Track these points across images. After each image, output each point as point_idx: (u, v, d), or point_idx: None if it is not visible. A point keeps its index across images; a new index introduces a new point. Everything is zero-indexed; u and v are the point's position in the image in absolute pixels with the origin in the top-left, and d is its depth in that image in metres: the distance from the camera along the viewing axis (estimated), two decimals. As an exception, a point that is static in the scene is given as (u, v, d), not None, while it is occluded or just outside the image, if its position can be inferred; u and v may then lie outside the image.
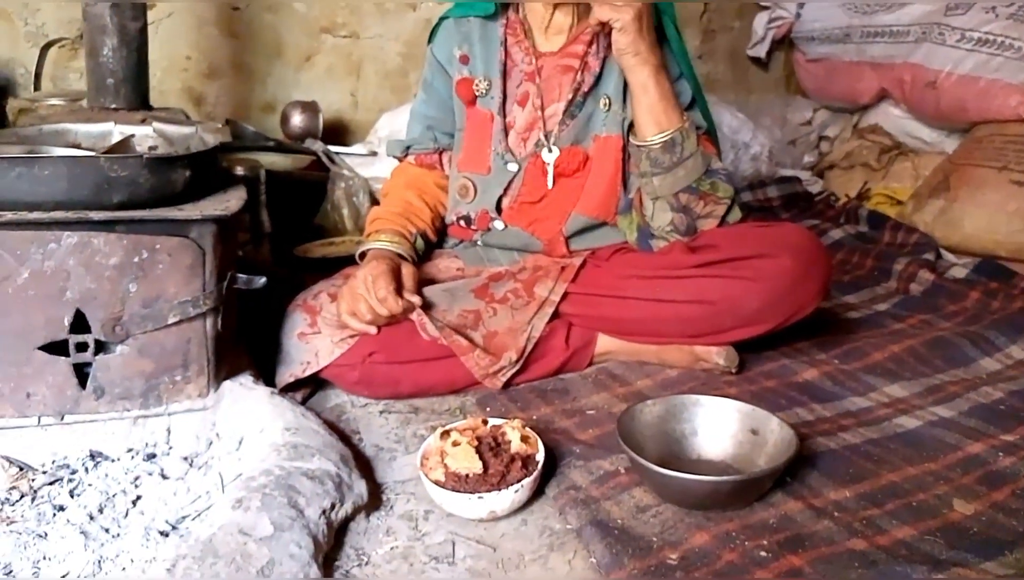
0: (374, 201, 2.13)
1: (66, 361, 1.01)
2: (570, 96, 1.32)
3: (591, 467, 1.04)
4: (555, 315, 1.32)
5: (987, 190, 1.95)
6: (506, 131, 1.34)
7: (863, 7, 2.38)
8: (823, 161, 2.50)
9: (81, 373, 1.02)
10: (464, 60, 1.36)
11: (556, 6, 1.31)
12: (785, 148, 2.50)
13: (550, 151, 1.33)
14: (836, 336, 1.48)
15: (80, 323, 1.00)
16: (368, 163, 2.20)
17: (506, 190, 1.35)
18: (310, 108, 2.20)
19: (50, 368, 1.01)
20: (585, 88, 1.32)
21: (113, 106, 1.67)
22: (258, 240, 1.79)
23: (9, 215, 0.95)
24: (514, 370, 1.26)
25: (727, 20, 2.72)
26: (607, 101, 1.31)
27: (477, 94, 1.34)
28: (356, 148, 2.23)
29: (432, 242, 1.42)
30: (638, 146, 1.27)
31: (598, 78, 1.32)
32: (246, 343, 1.23)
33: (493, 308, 1.30)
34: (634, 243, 1.35)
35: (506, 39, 1.35)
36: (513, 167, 1.34)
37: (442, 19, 1.39)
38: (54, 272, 0.98)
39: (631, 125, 1.29)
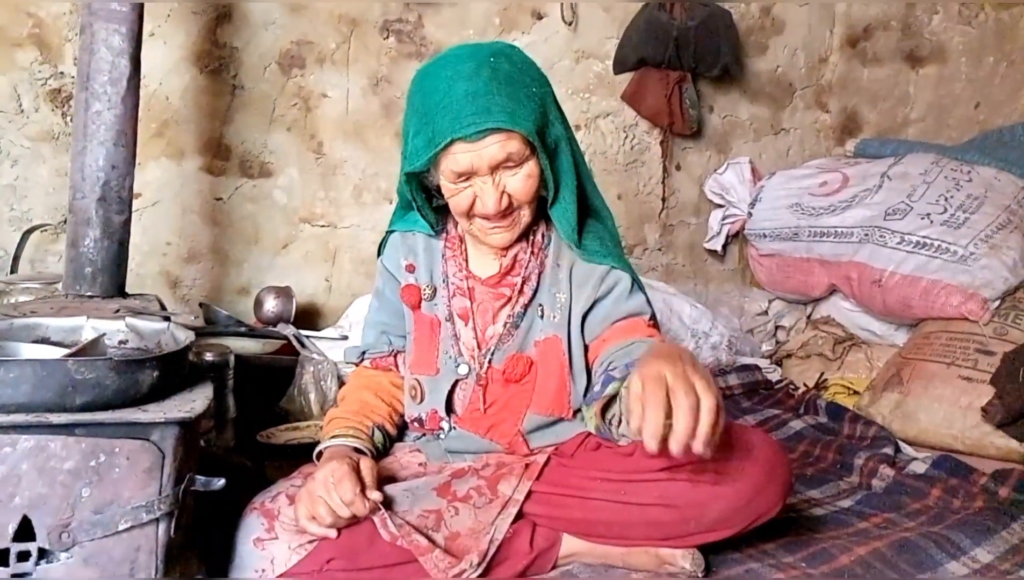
0: (342, 385, 2.14)
1: (5, 570, 0.97)
2: (506, 320, 1.37)
3: None
4: (519, 515, 1.30)
5: (938, 385, 2.02)
6: (456, 337, 1.38)
7: (809, 209, 2.56)
8: (780, 350, 2.58)
9: (20, 584, 0.98)
10: (410, 269, 1.42)
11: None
12: (744, 337, 2.59)
13: (493, 364, 1.36)
14: (801, 536, 1.46)
15: (25, 530, 0.97)
16: (338, 346, 2.23)
17: (453, 392, 1.38)
18: (284, 293, 2.26)
19: (-13, 579, 0.96)
20: (522, 307, 1.37)
21: (88, 294, 1.71)
22: (221, 426, 1.77)
23: (-32, 418, 0.94)
24: (476, 573, 1.23)
25: (685, 216, 2.89)
26: (540, 309, 1.37)
27: (423, 298, 1.40)
28: (327, 332, 2.27)
29: (391, 436, 1.42)
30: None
31: (534, 291, 1.37)
32: (197, 545, 1.19)
33: (455, 507, 1.28)
34: (594, 430, 1.36)
35: (445, 251, 1.41)
36: (463, 370, 1.37)
37: (389, 232, 1.47)
38: (5, 477, 0.96)
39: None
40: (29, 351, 1.15)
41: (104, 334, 1.19)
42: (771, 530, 1.39)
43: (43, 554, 0.98)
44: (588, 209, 1.39)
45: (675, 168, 2.85)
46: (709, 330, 2.42)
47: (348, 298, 2.42)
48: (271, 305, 2.24)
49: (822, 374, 2.36)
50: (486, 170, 1.22)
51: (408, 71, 2.48)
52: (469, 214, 1.28)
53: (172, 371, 1.10)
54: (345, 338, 2.26)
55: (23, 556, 0.97)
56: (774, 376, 2.45)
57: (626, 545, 1.31)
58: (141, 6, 1.76)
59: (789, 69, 2.95)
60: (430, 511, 1.27)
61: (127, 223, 1.76)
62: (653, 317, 1.39)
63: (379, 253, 1.49)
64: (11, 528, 0.96)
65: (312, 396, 2.07)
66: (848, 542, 1.43)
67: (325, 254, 2.49)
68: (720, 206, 2.87)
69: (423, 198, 1.34)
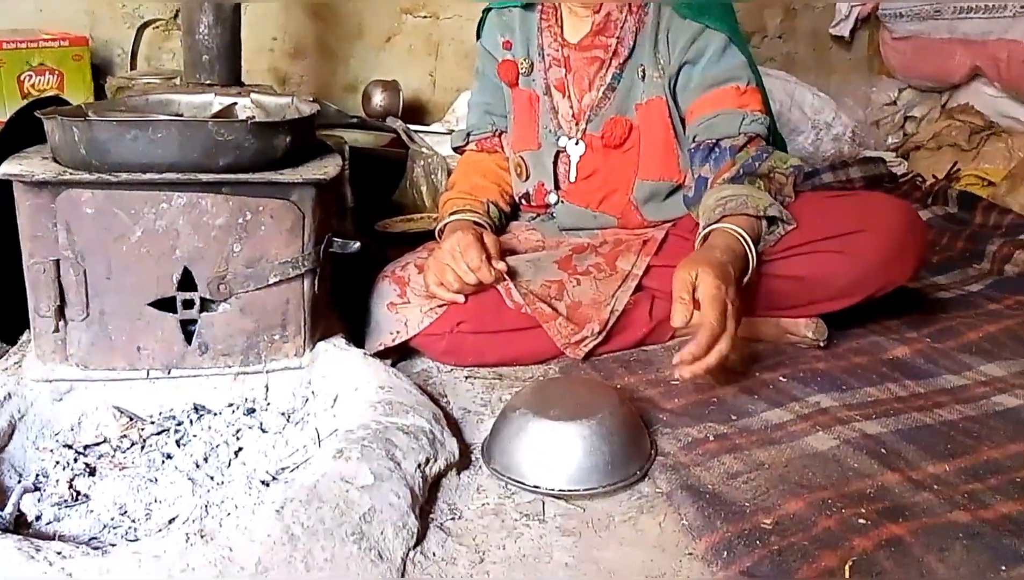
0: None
1: (174, 317, 1.06)
2: (601, 84, 1.33)
3: (678, 435, 1.04)
4: (638, 288, 1.31)
5: (1089, 172, 1.86)
6: (555, 109, 1.36)
7: (956, -18, 2.29)
8: (908, 142, 2.42)
9: (187, 329, 1.07)
10: (507, 46, 1.41)
11: None
12: (869, 129, 2.43)
13: (590, 131, 1.34)
14: (927, 315, 1.43)
15: (187, 281, 1.05)
16: (446, 141, 2.21)
17: (557, 163, 1.37)
18: (391, 87, 2.24)
19: (159, 324, 1.06)
20: (617, 67, 1.32)
21: (208, 82, 1.74)
22: (342, 213, 1.83)
23: (124, 175, 1.00)
24: (597, 341, 1.27)
25: (809, -2, 2.65)
26: (641, 70, 1.31)
27: (520, 72, 1.38)
28: (434, 127, 2.26)
29: (505, 212, 1.44)
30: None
31: (631, 51, 1.31)
32: (337, 309, 1.27)
33: (576, 279, 1.31)
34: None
35: (540, 23, 1.38)
36: (564, 141, 1.36)
37: (486, 12, 1.45)
38: (165, 231, 1.02)
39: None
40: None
41: (235, 103, 1.21)
42: (894, 307, 1.37)
43: (204, 304, 1.06)
44: None
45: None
46: (832, 121, 2.28)
47: (452, 93, 2.39)
48: (379, 99, 2.23)
49: (955, 164, 2.21)
50: None
51: None
52: None
53: (303, 138, 1.12)
54: (452, 132, 2.24)
55: (188, 304, 1.05)
56: (900, 169, 2.31)
57: (748, 315, 1.31)
58: None
59: None
60: (552, 281, 1.30)
61: (237, 9, 1.75)
62: (750, 82, 1.28)
63: (478, 35, 1.48)
64: (175, 278, 1.04)
65: (424, 189, 2.10)
66: (977, 320, 1.40)
67: (428, 47, 2.43)
68: (850, -15, 2.61)
69: None
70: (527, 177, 1.41)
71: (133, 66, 2.18)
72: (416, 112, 2.41)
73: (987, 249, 1.73)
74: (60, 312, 1.03)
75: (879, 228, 1.19)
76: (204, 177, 1.02)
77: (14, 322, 1.17)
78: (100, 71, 2.18)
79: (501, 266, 1.23)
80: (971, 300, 1.53)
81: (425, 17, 2.40)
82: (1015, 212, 1.91)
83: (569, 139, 1.36)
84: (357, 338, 1.27)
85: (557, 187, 1.39)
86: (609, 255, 1.34)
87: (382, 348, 1.25)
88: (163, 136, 1.00)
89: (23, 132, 1.12)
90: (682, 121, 1.33)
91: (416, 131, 2.21)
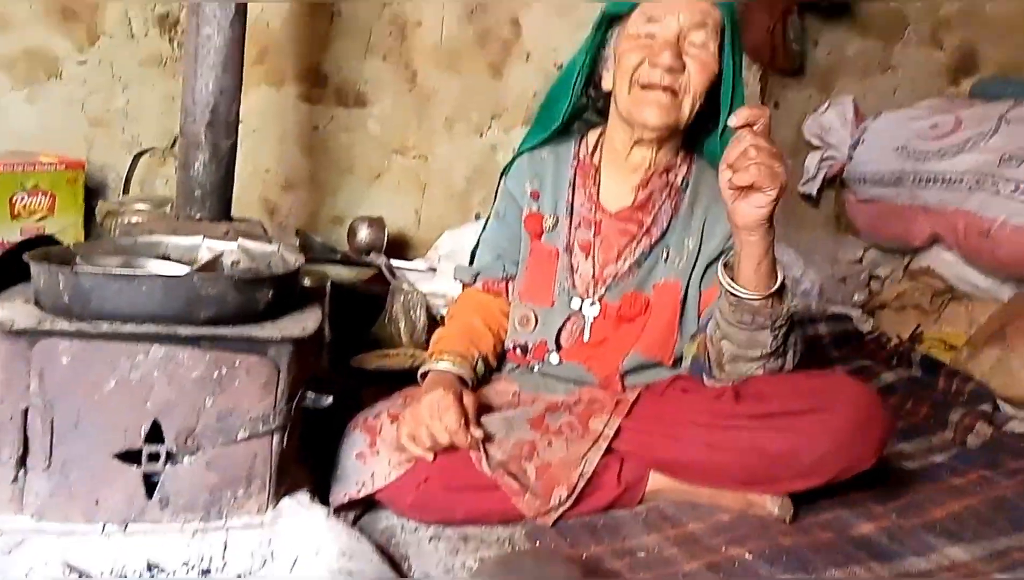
0: (430, 315, 2.19)
1: (137, 470, 1.04)
2: (628, 257, 1.37)
3: (643, 615, 1.02)
4: (608, 449, 1.32)
5: (1046, 343, 1.93)
6: (572, 269, 1.38)
7: (916, 153, 2.43)
8: (874, 300, 2.50)
9: (149, 482, 1.05)
10: (535, 196, 1.43)
11: (637, 141, 1.37)
12: (836, 285, 2.51)
13: (608, 300, 1.38)
14: (893, 488, 1.44)
15: (155, 433, 1.04)
16: (427, 278, 2.27)
17: (564, 325, 1.39)
18: (376, 224, 2.30)
19: (121, 476, 1.04)
20: (647, 245, 1.37)
21: (198, 216, 1.78)
22: (318, 351, 1.85)
23: (106, 326, 1.01)
24: (565, 507, 1.26)
25: (780, 158, 2.79)
26: (666, 251, 1.37)
27: (544, 229, 1.41)
28: (417, 263, 2.31)
29: (491, 367, 1.45)
30: (733, 293, 1.22)
31: (663, 233, 1.37)
32: (305, 457, 1.26)
33: (548, 439, 1.31)
34: (686, 368, 1.38)
35: (574, 180, 1.42)
36: (576, 304, 1.38)
37: (517, 154, 1.48)
38: (139, 382, 1.03)
39: (725, 264, 1.27)
40: (154, 266, 1.21)
41: (222, 253, 1.24)
42: (861, 480, 1.38)
43: (170, 457, 1.05)
44: None
45: (773, 106, 2.74)
46: (800, 277, 2.36)
47: (437, 230, 2.45)
48: (364, 234, 2.29)
49: (918, 326, 2.28)
50: (674, 27, 1.27)
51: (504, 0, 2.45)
52: (634, 75, 1.29)
53: (285, 291, 1.15)
54: (433, 270, 2.29)
55: (153, 457, 1.04)
56: (866, 326, 2.38)
57: (713, 486, 1.32)
58: (248, -69, 1.77)
59: (904, 1, 2.77)
60: (524, 442, 1.30)
61: (233, 148, 1.81)
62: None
63: (503, 173, 1.49)
64: (143, 430, 1.04)
65: (402, 325, 2.12)
66: (941, 496, 1.41)
67: (415, 185, 2.52)
68: (818, 148, 2.76)
69: (581, 86, 1.39)
70: (533, 329, 1.41)
71: (126, 191, 2.23)
72: (400, 247, 2.46)
73: (950, 418, 1.76)
74: (21, 461, 1.01)
75: (844, 407, 1.21)
76: (184, 331, 1.03)
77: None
78: (93, 193, 2.23)
79: (477, 434, 1.24)
80: (935, 472, 1.55)
81: (414, 158, 2.50)
82: (976, 380, 1.96)
83: (583, 301, 1.38)
84: (323, 482, 1.25)
85: (559, 344, 1.40)
86: (583, 414, 1.36)
87: (347, 500, 1.23)
88: (147, 289, 1.02)
89: (15, 267, 1.14)
90: (698, 300, 1.37)
91: (398, 267, 2.26)
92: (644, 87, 1.29)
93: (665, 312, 1.36)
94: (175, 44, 2.27)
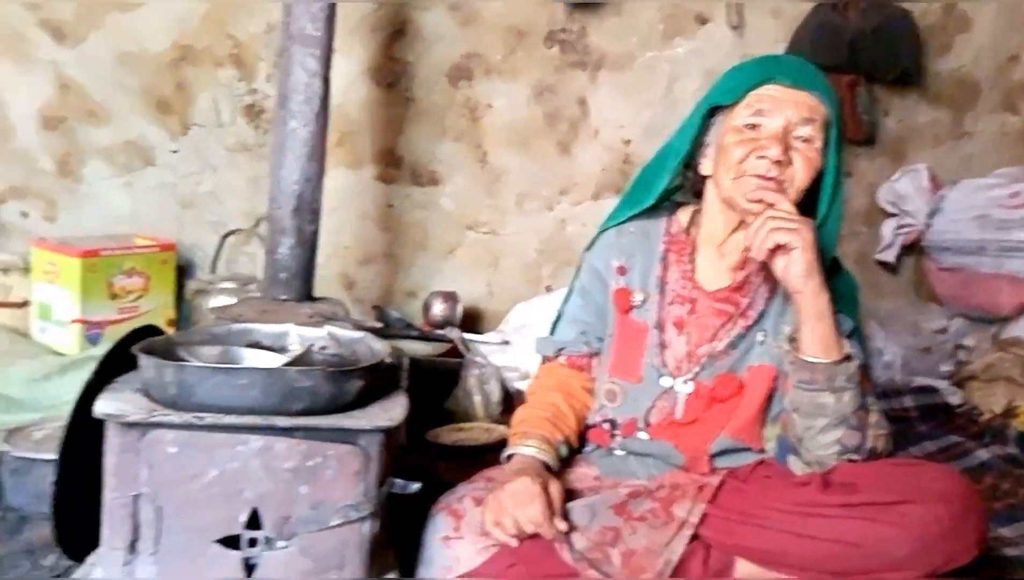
0: (504, 389, 2.21)
1: (237, 555, 1.08)
2: (724, 339, 1.37)
3: None
4: (693, 537, 1.30)
5: None
6: (663, 346, 1.39)
7: (997, 222, 2.38)
8: (962, 371, 2.42)
9: (248, 567, 1.08)
10: (621, 271, 1.43)
11: (736, 227, 1.36)
12: (919, 356, 2.44)
13: (702, 380, 1.37)
14: (993, 576, 1.38)
15: (254, 520, 1.08)
16: (500, 351, 2.30)
17: (655, 403, 1.38)
18: (450, 298, 2.36)
19: (223, 561, 1.08)
20: (743, 327, 1.37)
21: (283, 297, 1.85)
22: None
23: (209, 418, 1.06)
24: (652, 595, 1.24)
25: (855, 225, 2.76)
26: (763, 335, 1.36)
27: (633, 304, 1.41)
28: (489, 336, 2.34)
29: (573, 449, 1.45)
30: (805, 361, 1.23)
31: (759, 316, 1.37)
32: (393, 541, 1.27)
33: (632, 526, 1.30)
34: (771, 451, 1.36)
35: (666, 256, 1.42)
36: (667, 382, 1.38)
37: (602, 230, 1.48)
38: (238, 472, 1.07)
39: (791, 339, 1.28)
40: (248, 355, 1.27)
41: (312, 344, 1.29)
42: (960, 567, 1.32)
43: (267, 542, 1.08)
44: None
45: (845, 175, 2.72)
46: (882, 347, 2.30)
47: (508, 303, 2.49)
48: (439, 309, 2.34)
49: (1012, 400, 2.19)
50: (782, 122, 1.28)
51: (571, 80, 2.52)
52: (739, 166, 1.29)
53: (374, 380, 1.18)
54: (507, 343, 2.32)
55: (252, 543, 1.08)
56: (954, 399, 2.30)
57: (803, 577, 1.28)
58: (332, 29, 1.88)
59: (975, 69, 2.75)
60: (609, 528, 1.28)
61: (316, 233, 1.89)
62: (863, 367, 1.31)
63: (589, 248, 1.49)
64: (242, 518, 1.07)
65: (477, 399, 2.15)
66: (1049, 589, 1.34)
67: (488, 260, 2.58)
68: (893, 215, 2.72)
69: (679, 169, 1.40)
70: (620, 405, 1.40)
71: (213, 270, 2.34)
72: (473, 320, 2.51)
73: (1052, 500, 1.68)
74: (132, 546, 1.06)
75: (938, 500, 1.17)
76: (280, 422, 1.07)
77: (80, 537, 1.20)
78: (182, 271, 2.35)
79: (562, 527, 1.23)
80: (1040, 562, 1.47)
81: (486, 233, 2.56)
82: (1078, 458, 1.87)
83: (675, 379, 1.37)
84: (406, 564, 1.26)
85: (647, 422, 1.39)
86: (665, 500, 1.34)
87: (432, 585, 1.24)
88: (246, 382, 1.07)
89: (120, 358, 1.21)
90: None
91: (472, 340, 2.29)
92: (753, 173, 1.28)
93: (757, 396, 1.35)
94: (260, 130, 2.40)
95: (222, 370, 1.08)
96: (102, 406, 1.06)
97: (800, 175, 1.29)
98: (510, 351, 2.29)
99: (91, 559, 1.19)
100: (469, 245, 2.56)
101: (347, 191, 2.45)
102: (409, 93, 2.46)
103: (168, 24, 2.29)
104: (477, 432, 2.05)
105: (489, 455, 1.87)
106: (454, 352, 2.26)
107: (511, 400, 2.23)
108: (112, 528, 1.06)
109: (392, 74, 2.44)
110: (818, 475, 1.26)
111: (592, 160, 2.57)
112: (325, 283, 2.41)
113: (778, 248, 1.21)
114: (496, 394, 2.17)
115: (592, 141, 2.57)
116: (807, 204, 1.32)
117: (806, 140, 1.29)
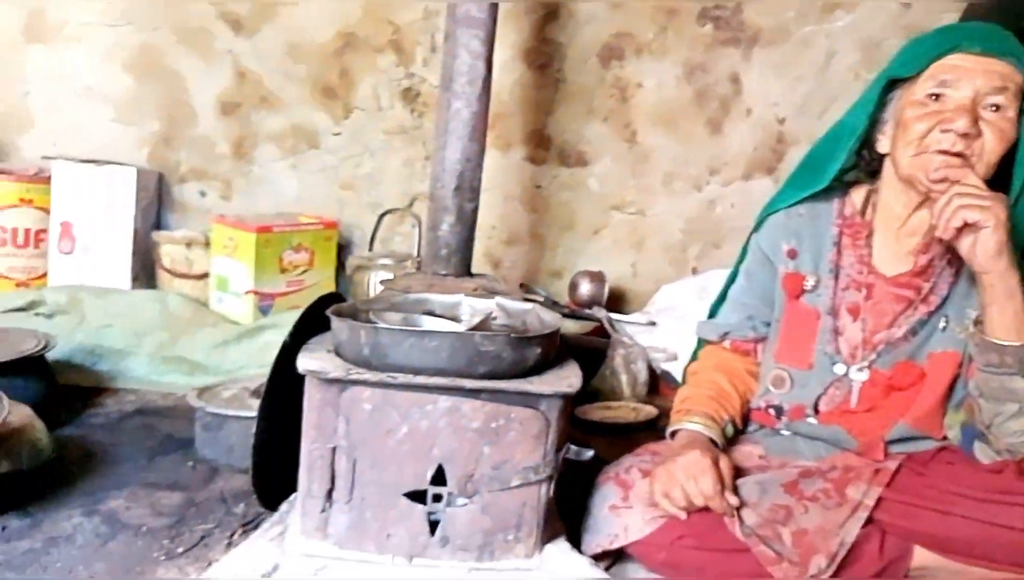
0: (651, 370, 2.21)
1: (422, 509, 1.14)
2: (904, 325, 1.31)
3: None
4: (868, 520, 1.26)
5: None
6: (836, 332, 1.35)
7: None
8: None
9: (431, 522, 1.15)
10: (791, 254, 1.39)
11: (919, 205, 1.30)
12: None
13: (879, 367, 1.32)
14: None
15: (439, 477, 1.13)
16: (645, 331, 2.30)
17: (826, 390, 1.35)
18: (597, 278, 2.37)
19: (408, 514, 1.14)
20: (925, 313, 1.31)
21: (443, 272, 1.92)
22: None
23: (401, 377, 1.12)
24: (823, 578, 1.22)
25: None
26: (945, 321, 1.30)
27: (804, 289, 1.37)
28: (635, 317, 2.35)
29: (738, 430, 1.44)
30: (993, 343, 1.18)
31: (942, 301, 1.31)
32: (560, 506, 1.31)
33: (804, 505, 1.28)
34: (954, 438, 1.31)
35: (840, 239, 1.37)
36: (840, 369, 1.34)
37: (771, 212, 1.43)
38: (427, 430, 1.13)
39: (976, 321, 1.22)
40: (428, 322, 1.33)
41: (491, 313, 1.34)
42: None
43: (451, 499, 1.14)
44: None
45: None
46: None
47: (652, 284, 2.49)
48: (585, 288, 2.36)
49: None
50: (970, 93, 1.20)
51: (724, 58, 2.48)
52: (922, 142, 1.23)
53: (550, 348, 1.22)
54: (653, 324, 2.32)
55: (436, 498, 1.14)
56: None
57: (990, 567, 1.22)
58: (496, 11, 1.93)
59: None
60: (780, 506, 1.27)
61: (475, 210, 1.95)
62: None
63: (753, 231, 1.46)
64: (429, 474, 1.13)
65: (623, 378, 2.16)
66: None
67: (633, 240, 2.58)
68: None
69: (855, 148, 1.34)
70: (788, 391, 1.38)
71: (371, 248, 2.46)
72: (617, 301, 2.52)
73: None
74: (328, 495, 1.14)
75: None
76: (467, 383, 1.12)
77: (273, 489, 1.31)
78: (342, 249, 2.48)
79: (734, 501, 1.23)
80: None
81: (632, 213, 2.56)
82: None
83: (848, 366, 1.34)
84: (572, 533, 1.29)
85: (816, 409, 1.37)
86: (838, 481, 1.31)
87: (599, 551, 1.27)
88: (436, 345, 1.13)
89: (313, 322, 1.30)
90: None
91: (618, 320, 2.31)
92: (937, 150, 1.22)
93: (939, 384, 1.29)
94: (415, 113, 2.49)
95: (414, 333, 1.14)
96: (304, 362, 1.14)
97: (991, 147, 1.20)
98: (656, 332, 2.28)
99: (284, 507, 1.29)
100: (614, 226, 2.57)
101: (496, 173, 2.51)
102: (560, 75, 2.48)
103: (332, 14, 2.42)
104: (624, 411, 2.07)
105: (638, 434, 1.89)
106: (600, 331, 2.29)
107: (657, 381, 2.23)
108: (311, 477, 1.14)
109: (544, 56, 2.47)
110: (1013, 462, 1.20)
111: (743, 139, 2.51)
112: (472, 262, 2.48)
113: (965, 226, 1.14)
114: (643, 374, 2.17)
115: (744, 120, 2.52)
116: (998, 180, 1.25)
117: (998, 109, 1.20)
